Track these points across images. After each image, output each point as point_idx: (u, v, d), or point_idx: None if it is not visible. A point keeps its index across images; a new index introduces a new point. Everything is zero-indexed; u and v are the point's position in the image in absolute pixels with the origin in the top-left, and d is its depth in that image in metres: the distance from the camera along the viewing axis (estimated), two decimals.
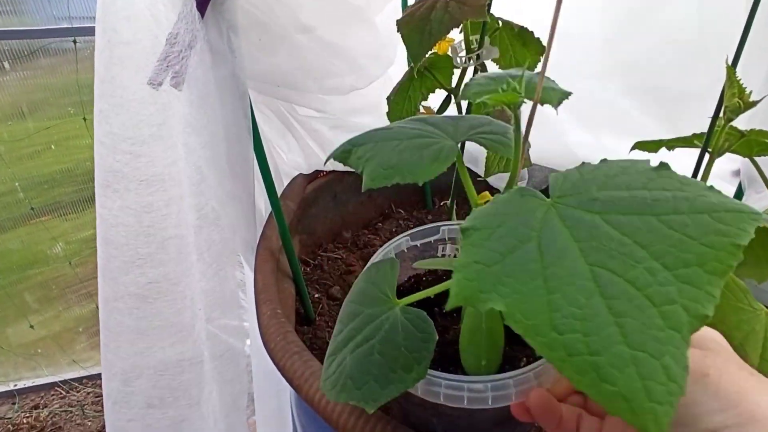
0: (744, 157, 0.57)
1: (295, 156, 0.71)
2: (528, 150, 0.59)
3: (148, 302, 0.46)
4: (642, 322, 0.20)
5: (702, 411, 0.23)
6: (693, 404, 0.23)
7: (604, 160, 0.27)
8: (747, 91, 0.43)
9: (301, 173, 0.79)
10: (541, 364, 0.33)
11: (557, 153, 0.84)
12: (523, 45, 0.53)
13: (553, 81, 0.35)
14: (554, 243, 0.23)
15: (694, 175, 0.50)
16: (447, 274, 0.43)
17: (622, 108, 0.82)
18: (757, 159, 0.52)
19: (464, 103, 0.60)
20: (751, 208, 0.23)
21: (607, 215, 0.24)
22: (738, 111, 0.43)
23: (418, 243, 0.45)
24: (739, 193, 0.70)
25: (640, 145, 0.61)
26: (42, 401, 1.51)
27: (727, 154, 0.56)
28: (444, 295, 0.28)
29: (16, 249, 1.44)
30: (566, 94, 0.33)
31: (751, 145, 0.53)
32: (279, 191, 0.74)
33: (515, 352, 0.38)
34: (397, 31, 0.47)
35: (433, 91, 0.58)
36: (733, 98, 0.41)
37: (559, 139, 0.85)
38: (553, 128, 0.86)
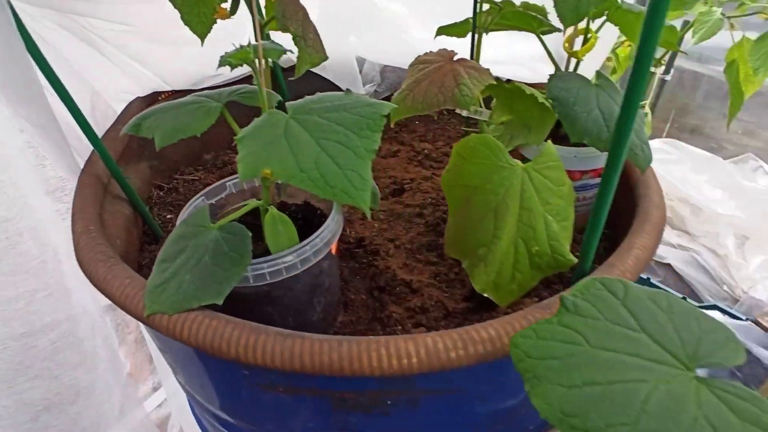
0: (530, 32, 0.60)
1: (119, 78, 0.68)
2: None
3: None
4: (345, 157, 0.36)
5: None
6: None
7: (317, 95, 0.43)
8: None
9: (138, 97, 0.76)
10: (321, 230, 0.46)
11: (400, 51, 0.86)
12: None
13: (277, 43, 0.48)
14: (294, 134, 0.38)
15: (471, 56, 0.54)
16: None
17: None
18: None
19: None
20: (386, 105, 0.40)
21: (320, 114, 0.39)
22: None
23: (213, 201, 0.54)
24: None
25: (443, 30, 0.63)
26: None
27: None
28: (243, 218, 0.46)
29: None
30: (284, 51, 0.47)
31: (527, 18, 0.56)
32: (110, 119, 0.71)
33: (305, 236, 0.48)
34: None
35: None
36: None
37: (402, 37, 0.86)
38: (396, 27, 0.87)
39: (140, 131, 0.45)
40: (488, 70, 0.48)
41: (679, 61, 1.63)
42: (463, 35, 0.64)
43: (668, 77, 1.33)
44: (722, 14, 1.12)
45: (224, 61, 0.42)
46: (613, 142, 0.35)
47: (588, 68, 0.85)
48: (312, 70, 0.93)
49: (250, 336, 0.37)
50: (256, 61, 0.42)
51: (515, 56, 0.89)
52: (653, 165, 0.54)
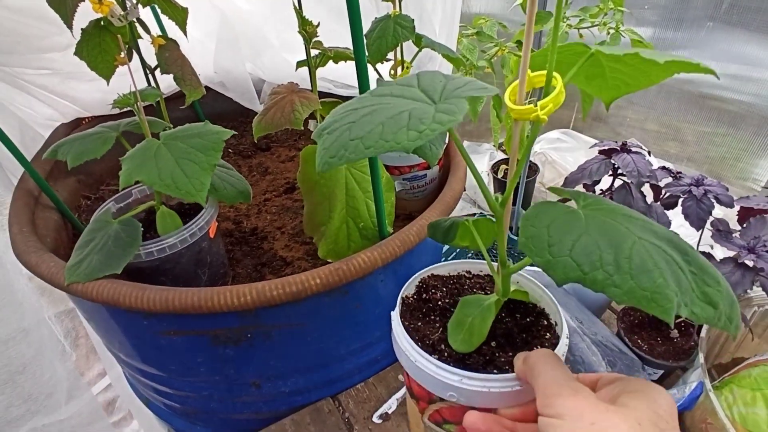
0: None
1: (43, 108, 0.83)
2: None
3: None
4: (192, 169, 0.54)
5: None
6: None
7: (186, 125, 0.60)
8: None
9: (62, 123, 0.91)
10: (195, 220, 0.62)
11: (290, 72, 1.04)
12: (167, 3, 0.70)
13: (154, 88, 0.66)
14: (161, 154, 0.56)
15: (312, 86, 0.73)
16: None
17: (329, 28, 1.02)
18: None
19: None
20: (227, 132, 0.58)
21: (182, 140, 0.57)
22: None
23: (122, 204, 0.71)
24: None
25: (299, 64, 0.82)
26: None
27: None
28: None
29: None
30: (159, 94, 0.66)
31: None
32: (39, 143, 0.87)
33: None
34: None
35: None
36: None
37: (292, 60, 1.04)
38: (286, 52, 1.05)
39: (57, 156, 0.61)
40: (316, 98, 0.67)
41: None
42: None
43: None
44: (569, 25, 1.36)
45: (115, 104, 0.59)
46: None
47: None
48: (221, 92, 1.11)
49: (138, 291, 0.55)
50: (138, 103, 0.60)
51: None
52: (549, 152, 0.74)
